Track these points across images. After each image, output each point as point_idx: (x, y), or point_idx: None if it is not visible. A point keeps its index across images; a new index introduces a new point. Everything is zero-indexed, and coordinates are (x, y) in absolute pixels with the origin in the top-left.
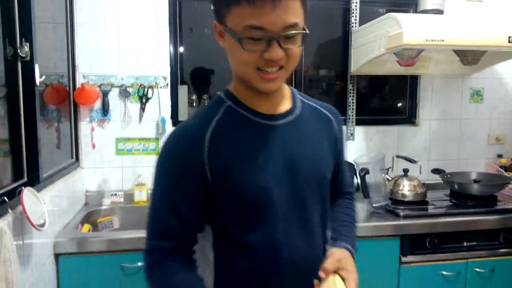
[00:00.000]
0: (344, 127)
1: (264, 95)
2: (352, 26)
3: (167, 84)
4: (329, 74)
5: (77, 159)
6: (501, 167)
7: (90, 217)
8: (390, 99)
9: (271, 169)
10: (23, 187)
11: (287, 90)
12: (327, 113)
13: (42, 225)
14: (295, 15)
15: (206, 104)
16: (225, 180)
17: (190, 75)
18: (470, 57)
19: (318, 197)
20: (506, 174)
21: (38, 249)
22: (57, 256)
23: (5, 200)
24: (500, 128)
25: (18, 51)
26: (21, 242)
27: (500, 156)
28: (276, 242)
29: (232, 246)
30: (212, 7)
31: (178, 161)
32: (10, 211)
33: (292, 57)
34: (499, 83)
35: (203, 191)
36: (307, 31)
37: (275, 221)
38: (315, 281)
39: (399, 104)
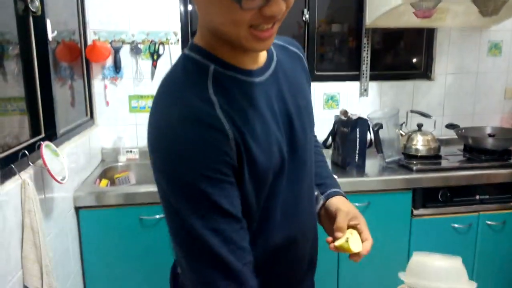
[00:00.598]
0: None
1: (248, 54)
2: None
3: (178, 40)
4: (343, 29)
5: (92, 116)
6: None
7: (107, 173)
8: (405, 54)
9: (277, 133)
10: (41, 142)
11: None
12: (295, 49)
13: (62, 178)
14: None
15: (181, 69)
16: (250, 163)
17: None
18: (491, 7)
19: (311, 146)
20: None
21: (59, 203)
22: (77, 209)
23: (25, 153)
24: None
25: (29, 6)
26: (43, 196)
27: None
28: (276, 208)
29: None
30: None
31: (207, 152)
32: (31, 164)
33: (289, 7)
34: None
35: (235, 182)
36: None
37: (284, 185)
38: (328, 239)
39: (414, 59)
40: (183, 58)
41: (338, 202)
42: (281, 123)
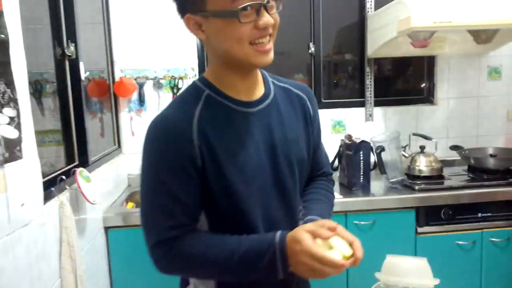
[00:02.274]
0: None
1: (243, 79)
2: (368, 11)
3: (195, 75)
4: (347, 58)
5: (119, 145)
6: None
7: (133, 197)
8: (408, 80)
9: (255, 154)
10: (75, 168)
11: (260, 74)
12: (299, 92)
13: (94, 201)
14: None
15: (183, 92)
16: (214, 168)
17: None
18: (483, 36)
19: (298, 178)
20: None
21: (90, 222)
22: (106, 229)
23: (63, 178)
24: None
25: (66, 51)
26: (77, 216)
27: None
28: (256, 219)
29: (226, 228)
30: (177, 4)
31: (170, 153)
32: (67, 187)
33: (276, 23)
34: None
35: (197, 179)
36: None
37: (257, 202)
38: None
39: (417, 85)
40: (190, 84)
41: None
42: (263, 150)
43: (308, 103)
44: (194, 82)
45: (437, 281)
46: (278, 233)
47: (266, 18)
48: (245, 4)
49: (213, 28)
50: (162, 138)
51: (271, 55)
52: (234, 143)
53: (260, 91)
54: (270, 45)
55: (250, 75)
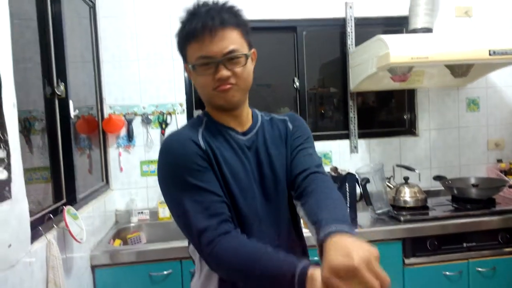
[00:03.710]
0: (305, 124)
1: (229, 116)
2: (349, 48)
3: (183, 110)
4: (332, 91)
5: (107, 181)
6: (501, 171)
7: (121, 234)
8: (391, 112)
9: (247, 167)
10: (63, 206)
11: (250, 113)
12: (282, 117)
13: (81, 239)
14: (233, 43)
15: (187, 121)
16: (216, 171)
17: None
18: (459, 70)
19: (285, 194)
20: (505, 178)
21: (77, 261)
22: (93, 267)
23: (50, 217)
24: (498, 134)
25: (55, 90)
26: (64, 255)
27: (499, 161)
28: (247, 218)
29: None
30: (179, 53)
31: (186, 154)
32: (55, 226)
33: (239, 75)
34: (494, 91)
35: (212, 171)
36: (247, 53)
37: (250, 213)
38: None
39: (399, 116)
40: (195, 116)
41: (325, 251)
42: (254, 167)
43: (289, 122)
44: (198, 114)
45: None
46: (300, 266)
47: (221, 73)
48: (200, 63)
49: (193, 77)
50: (176, 145)
51: (233, 95)
52: (231, 156)
53: (249, 123)
54: (229, 85)
55: (236, 113)
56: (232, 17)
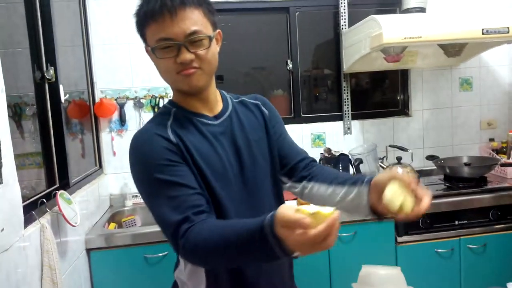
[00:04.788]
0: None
1: (198, 101)
2: (342, 28)
3: None
4: (326, 73)
5: (100, 166)
6: (493, 150)
7: (115, 217)
8: (384, 92)
9: (223, 155)
10: (56, 191)
11: (219, 94)
12: (253, 100)
13: (75, 223)
14: (195, 24)
15: (155, 114)
16: (189, 164)
17: None
18: (452, 50)
19: (268, 178)
20: (497, 156)
21: (72, 245)
22: (88, 250)
23: (43, 201)
24: (490, 114)
25: (45, 74)
26: (58, 239)
27: (492, 140)
28: (228, 211)
29: None
30: (139, 34)
31: (155, 151)
32: (48, 210)
33: (203, 58)
34: (487, 70)
35: (185, 165)
36: (211, 34)
37: (228, 201)
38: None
39: (393, 97)
40: (162, 107)
41: (377, 179)
42: (229, 152)
43: (262, 107)
44: (164, 105)
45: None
46: (269, 214)
47: (183, 56)
48: (161, 46)
49: (153, 60)
50: (144, 142)
51: (197, 80)
52: (204, 145)
53: (219, 107)
54: (193, 70)
55: (203, 97)
56: None
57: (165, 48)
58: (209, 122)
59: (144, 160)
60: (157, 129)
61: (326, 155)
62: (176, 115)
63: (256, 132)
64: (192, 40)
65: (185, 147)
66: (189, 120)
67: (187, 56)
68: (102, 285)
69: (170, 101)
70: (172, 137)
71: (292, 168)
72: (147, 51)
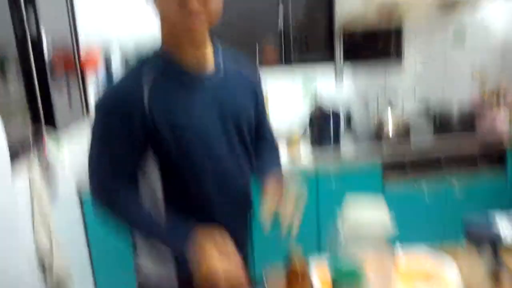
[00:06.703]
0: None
1: (192, 52)
2: None
3: None
4: (319, 18)
5: (88, 113)
6: (484, 102)
7: None
8: (377, 44)
9: (207, 115)
10: (44, 135)
11: (210, 46)
12: (246, 64)
13: (64, 166)
14: None
15: (137, 64)
16: (167, 126)
17: None
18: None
19: (245, 140)
20: (487, 105)
21: (63, 190)
22: (80, 196)
23: (31, 146)
24: (483, 66)
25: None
26: (48, 184)
27: (483, 91)
28: (206, 170)
29: (177, 180)
30: None
31: (119, 115)
32: (36, 152)
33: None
34: (480, 24)
35: (144, 138)
36: None
37: (207, 154)
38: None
39: (386, 48)
40: (147, 53)
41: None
42: (214, 112)
43: (253, 72)
44: (153, 54)
45: (390, 215)
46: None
47: None
48: None
49: None
50: (110, 102)
51: (200, 25)
52: (187, 102)
53: (210, 63)
54: (200, 7)
55: (197, 44)
56: None
57: None
58: (197, 82)
59: (106, 119)
60: (132, 90)
61: (318, 112)
62: (163, 72)
63: (244, 98)
64: None
65: (161, 114)
66: (177, 79)
67: None
68: (96, 225)
69: (160, 53)
70: (146, 102)
71: (256, 141)
72: None
